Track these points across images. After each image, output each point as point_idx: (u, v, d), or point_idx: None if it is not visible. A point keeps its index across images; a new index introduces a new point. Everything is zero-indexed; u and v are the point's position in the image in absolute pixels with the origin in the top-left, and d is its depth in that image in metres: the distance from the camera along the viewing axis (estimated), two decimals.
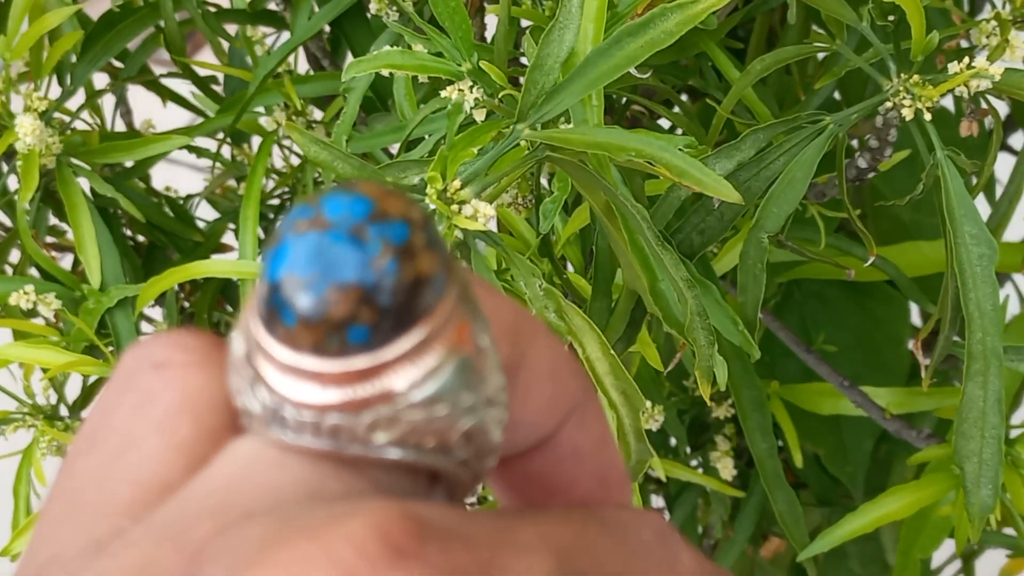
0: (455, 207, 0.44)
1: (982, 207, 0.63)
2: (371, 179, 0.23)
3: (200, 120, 0.94)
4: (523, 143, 0.49)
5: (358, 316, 0.22)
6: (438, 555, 0.20)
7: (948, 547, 0.88)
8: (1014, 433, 0.76)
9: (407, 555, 0.20)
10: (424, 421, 0.23)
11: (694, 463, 0.98)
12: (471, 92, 0.58)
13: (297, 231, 0.22)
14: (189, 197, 0.99)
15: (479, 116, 0.58)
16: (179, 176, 1.10)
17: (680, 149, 0.49)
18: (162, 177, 1.02)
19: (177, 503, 0.22)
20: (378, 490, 0.23)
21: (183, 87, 0.97)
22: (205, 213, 1.01)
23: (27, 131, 0.74)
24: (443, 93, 0.59)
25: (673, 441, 0.96)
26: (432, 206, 0.45)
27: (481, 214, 0.44)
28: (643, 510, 0.27)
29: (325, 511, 0.21)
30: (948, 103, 0.94)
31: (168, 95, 0.95)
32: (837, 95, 0.86)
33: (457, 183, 0.45)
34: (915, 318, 1.02)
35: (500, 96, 0.57)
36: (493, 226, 0.62)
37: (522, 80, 0.63)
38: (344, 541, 0.20)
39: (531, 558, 0.21)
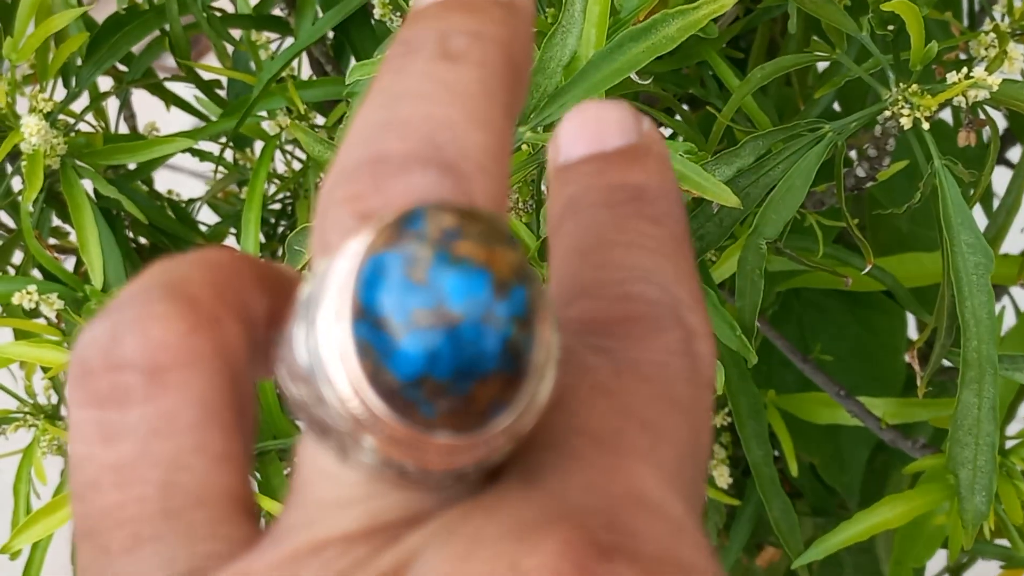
0: None
1: (980, 219, 0.64)
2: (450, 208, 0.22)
3: (203, 124, 0.95)
4: (525, 147, 0.50)
5: (502, 398, 0.21)
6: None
7: (941, 559, 0.89)
8: (1009, 444, 0.77)
9: None
10: (498, 447, 0.22)
11: None
12: None
13: (421, 324, 0.20)
14: (191, 201, 0.99)
15: None
16: (181, 182, 1.10)
17: (680, 155, 0.49)
18: (164, 183, 1.03)
19: (299, 539, 0.22)
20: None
21: (186, 91, 0.98)
22: (207, 217, 1.01)
23: (32, 132, 0.75)
24: None
25: None
26: None
27: None
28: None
29: (509, 534, 0.20)
30: (947, 116, 0.95)
31: (172, 99, 0.95)
32: (837, 106, 0.87)
33: None
34: (912, 330, 1.02)
35: None
36: None
37: None
38: (539, 568, 0.19)
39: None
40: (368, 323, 0.20)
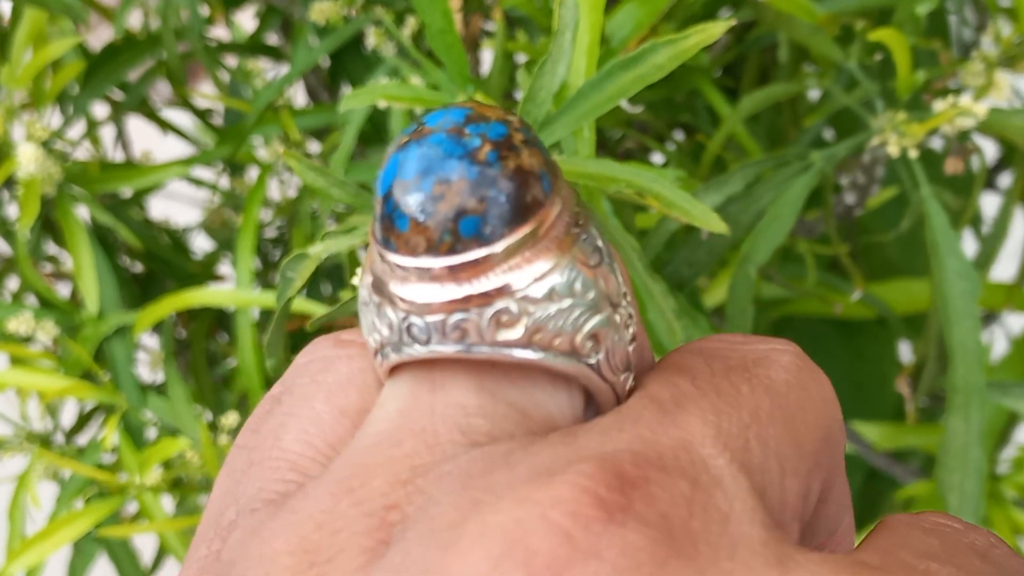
0: None
1: (969, 244, 0.64)
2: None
3: (194, 150, 0.96)
4: None
5: (466, 207, 0.22)
6: (646, 507, 0.20)
7: None
8: (1002, 469, 0.77)
9: (617, 513, 0.20)
10: (546, 318, 0.23)
11: None
12: None
13: (401, 144, 0.22)
14: (186, 230, 1.00)
15: None
16: (175, 210, 1.11)
17: (670, 182, 0.50)
18: (159, 211, 1.03)
19: (347, 459, 0.23)
20: (522, 413, 0.23)
21: (180, 116, 0.98)
22: (202, 244, 1.02)
23: (29, 160, 0.75)
24: None
25: None
26: None
27: None
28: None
29: (525, 468, 0.21)
30: (937, 141, 0.96)
31: (166, 126, 0.96)
32: (829, 133, 0.87)
33: None
34: (903, 356, 1.03)
35: None
36: None
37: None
38: (556, 506, 0.20)
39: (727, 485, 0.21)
40: (386, 186, 0.23)
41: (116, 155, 0.98)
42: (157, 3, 0.88)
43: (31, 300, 0.86)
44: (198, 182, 0.94)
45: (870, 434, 0.83)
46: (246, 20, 0.99)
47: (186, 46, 0.87)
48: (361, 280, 0.24)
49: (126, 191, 0.87)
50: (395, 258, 0.23)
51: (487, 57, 0.83)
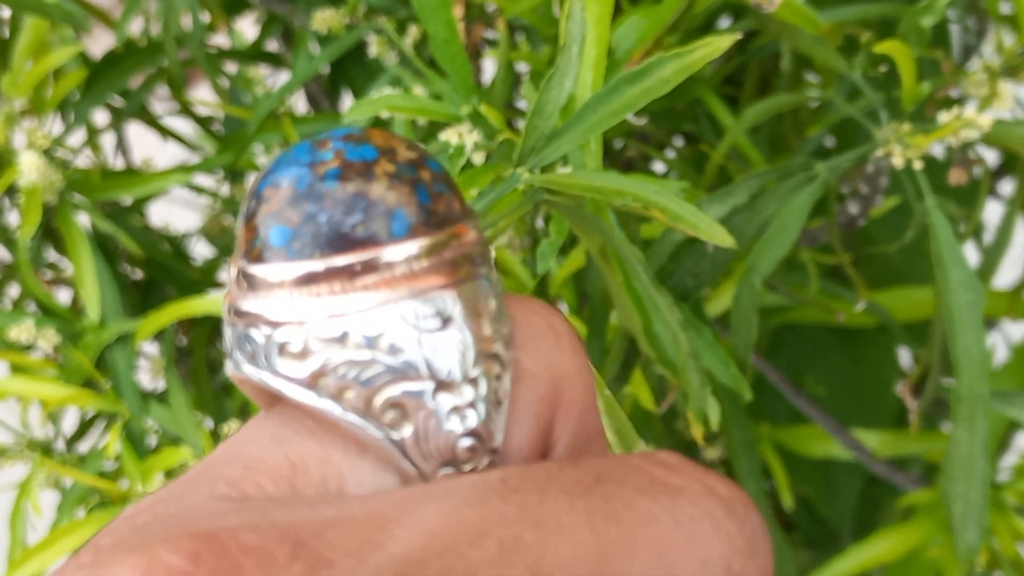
0: None
1: (971, 253, 0.64)
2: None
3: (194, 156, 0.95)
4: (520, 186, 0.50)
5: (281, 217, 0.21)
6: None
7: None
8: (1002, 477, 0.77)
9: None
10: (335, 364, 0.21)
11: None
12: (470, 135, 0.59)
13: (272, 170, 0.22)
14: (186, 236, 1.00)
15: (477, 159, 0.59)
16: (174, 213, 1.11)
17: (676, 194, 0.50)
18: (158, 216, 1.03)
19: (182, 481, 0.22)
20: (323, 468, 0.21)
21: (179, 122, 0.98)
22: (201, 250, 1.01)
23: (31, 168, 0.75)
24: (442, 136, 0.60)
25: None
26: None
27: None
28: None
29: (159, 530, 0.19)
30: (938, 148, 0.96)
31: (166, 132, 0.96)
32: (830, 140, 0.87)
33: None
34: (901, 363, 1.03)
35: (499, 140, 0.58)
36: None
37: (517, 123, 0.64)
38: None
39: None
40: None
41: (116, 162, 0.98)
42: (157, 9, 0.88)
43: (31, 307, 0.86)
44: (199, 189, 0.94)
45: (870, 441, 0.83)
46: (246, 27, 0.99)
47: (186, 53, 0.87)
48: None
49: (126, 198, 0.87)
50: (236, 255, 0.22)
51: (488, 66, 0.83)
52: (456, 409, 0.21)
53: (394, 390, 0.21)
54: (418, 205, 0.21)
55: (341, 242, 0.20)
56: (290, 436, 0.22)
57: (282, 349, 0.21)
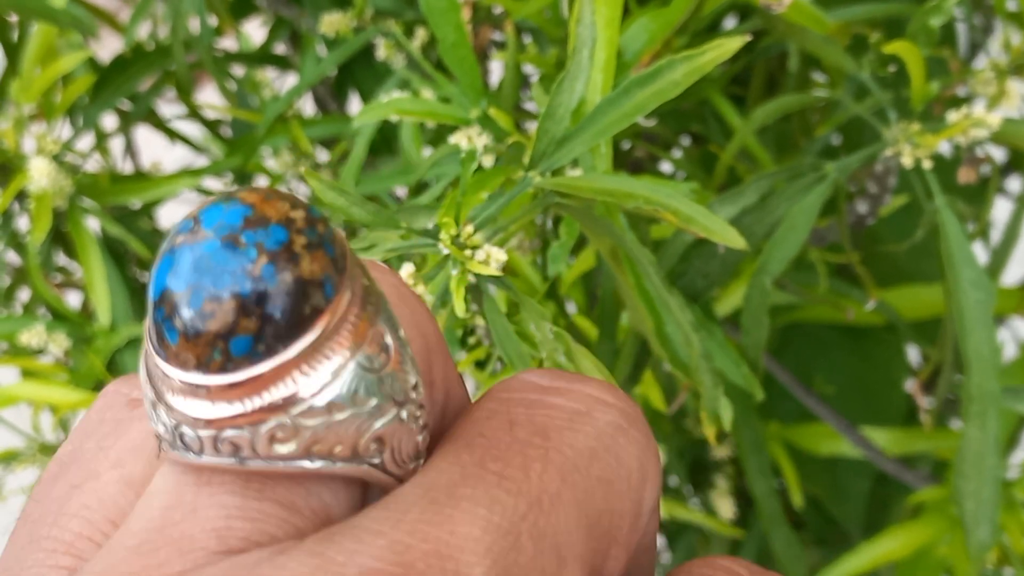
0: (468, 252, 0.45)
1: (978, 251, 0.64)
2: (255, 188, 0.21)
3: (201, 158, 0.96)
4: (531, 190, 0.50)
5: (238, 327, 0.21)
6: None
7: None
8: (1012, 474, 0.77)
9: None
10: (326, 429, 0.22)
11: (693, 503, 0.98)
12: (479, 138, 0.59)
13: (175, 245, 0.21)
14: None
15: (486, 161, 0.59)
16: (180, 216, 1.11)
17: (687, 197, 0.50)
18: (167, 218, 1.03)
19: (105, 561, 0.22)
20: (289, 509, 0.22)
21: (184, 124, 0.99)
22: None
23: (41, 173, 0.76)
24: (451, 139, 0.60)
25: (672, 482, 0.97)
26: (445, 251, 0.46)
27: (493, 258, 0.45)
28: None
29: None
30: (945, 148, 0.96)
31: (174, 136, 0.96)
32: (836, 139, 0.87)
33: (470, 228, 0.46)
34: (909, 362, 1.03)
35: (509, 143, 0.58)
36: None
37: (524, 126, 0.64)
38: None
39: None
40: (158, 290, 0.21)
41: (125, 166, 0.99)
42: (165, 13, 0.88)
43: (42, 312, 0.87)
44: (208, 192, 0.95)
45: (880, 439, 0.83)
46: (253, 30, 1.00)
47: (194, 56, 0.88)
48: (140, 361, 0.23)
49: (135, 202, 0.88)
50: (166, 367, 0.21)
51: (495, 68, 0.83)
52: (414, 416, 0.23)
53: (375, 427, 0.22)
54: (331, 261, 0.22)
55: (296, 328, 0.21)
56: (263, 487, 0.22)
57: (272, 435, 0.21)
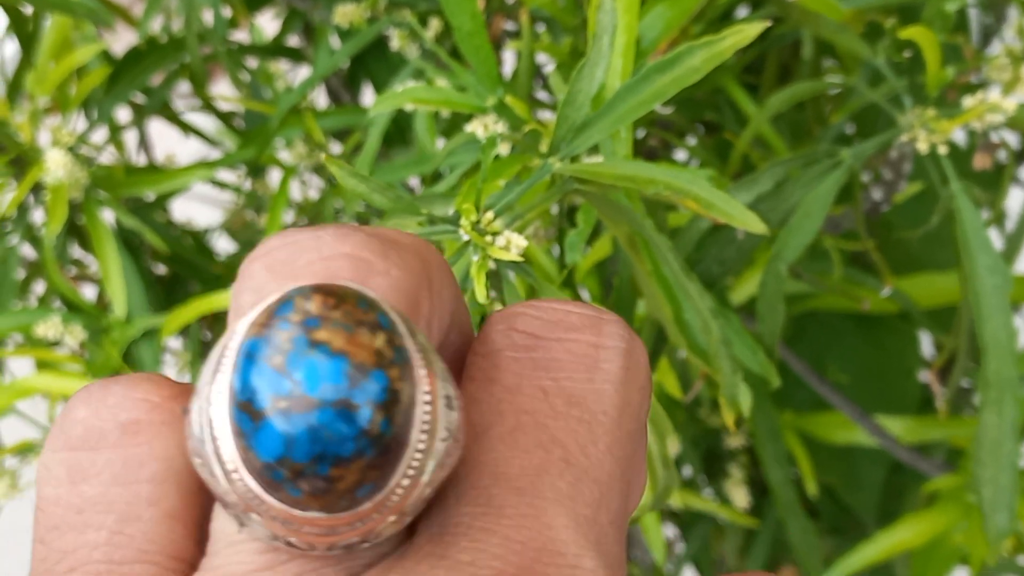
0: (488, 238, 0.46)
1: (992, 238, 0.64)
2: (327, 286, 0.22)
3: (214, 151, 0.96)
4: (549, 175, 0.50)
5: (364, 479, 0.21)
6: None
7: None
8: None
9: None
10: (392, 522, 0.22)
11: (706, 492, 0.98)
12: (495, 126, 0.59)
13: (279, 409, 0.21)
14: (208, 231, 1.00)
15: (502, 150, 0.59)
16: (195, 210, 1.11)
17: (707, 183, 0.50)
18: (180, 211, 1.04)
19: None
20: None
21: (197, 116, 0.99)
22: (223, 245, 1.02)
23: (57, 165, 0.76)
24: (467, 127, 0.60)
25: (686, 472, 0.97)
26: (466, 237, 0.46)
27: (514, 245, 0.45)
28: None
29: None
30: (959, 135, 0.96)
31: (188, 128, 0.96)
32: (849, 127, 0.87)
33: (490, 215, 0.46)
34: (924, 350, 1.03)
35: (525, 131, 0.58)
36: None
37: (539, 114, 0.64)
38: None
39: None
40: (239, 406, 0.21)
41: (139, 158, 0.99)
42: (178, 5, 0.88)
43: (57, 304, 0.87)
44: (221, 184, 0.95)
45: (895, 428, 0.83)
46: (267, 22, 1.00)
47: (208, 49, 0.88)
48: (193, 421, 0.22)
49: (149, 194, 0.88)
50: (277, 505, 0.22)
51: (508, 57, 0.83)
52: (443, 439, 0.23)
53: (428, 493, 0.23)
54: (423, 371, 0.22)
55: (402, 447, 0.22)
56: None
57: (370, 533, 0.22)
